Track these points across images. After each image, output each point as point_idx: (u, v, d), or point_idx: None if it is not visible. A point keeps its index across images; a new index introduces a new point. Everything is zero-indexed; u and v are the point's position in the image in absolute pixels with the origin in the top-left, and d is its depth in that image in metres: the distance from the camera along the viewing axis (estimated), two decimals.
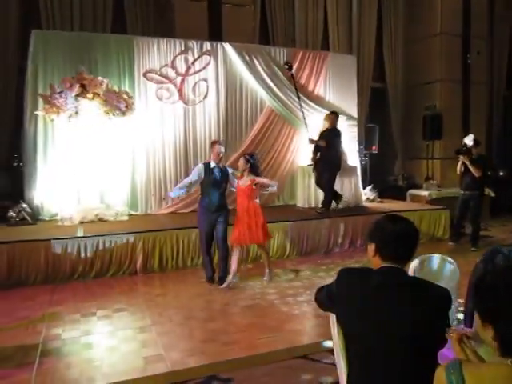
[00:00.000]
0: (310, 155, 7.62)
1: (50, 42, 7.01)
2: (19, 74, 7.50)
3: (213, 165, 5.19)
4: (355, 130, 9.09)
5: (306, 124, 7.96)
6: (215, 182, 5.14)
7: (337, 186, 7.98)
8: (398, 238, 1.73)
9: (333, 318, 1.94)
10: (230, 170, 5.37)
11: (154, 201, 7.51)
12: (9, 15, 7.62)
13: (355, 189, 8.40)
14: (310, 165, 8.20)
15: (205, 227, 5.21)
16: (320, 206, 7.49)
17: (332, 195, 7.49)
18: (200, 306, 4.66)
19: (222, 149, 5.25)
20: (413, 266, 2.55)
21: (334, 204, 7.49)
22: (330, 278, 5.31)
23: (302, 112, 7.94)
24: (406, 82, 10.75)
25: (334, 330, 1.91)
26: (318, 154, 7.44)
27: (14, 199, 6.87)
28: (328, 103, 8.74)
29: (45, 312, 4.51)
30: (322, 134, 7.50)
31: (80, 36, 7.34)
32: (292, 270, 6.00)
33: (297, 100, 8.13)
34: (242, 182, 5.17)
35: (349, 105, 8.99)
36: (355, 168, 8.59)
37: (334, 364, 3.29)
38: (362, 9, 10.15)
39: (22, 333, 4.03)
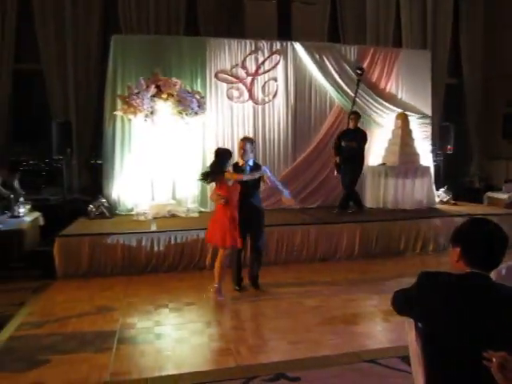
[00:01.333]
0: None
1: (127, 46, 7.39)
2: (99, 77, 7.97)
3: (241, 163, 4.91)
4: (429, 129, 8.73)
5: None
6: (244, 181, 4.73)
7: (408, 187, 7.72)
8: (486, 243, 1.64)
9: (410, 322, 1.88)
10: (263, 167, 4.96)
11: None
12: (91, 20, 8.13)
13: (428, 190, 8.08)
14: (383, 164, 8.00)
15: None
16: (336, 207, 7.27)
17: (351, 197, 7.31)
18: (267, 304, 4.70)
19: (247, 146, 4.86)
20: (498, 273, 2.40)
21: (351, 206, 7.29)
22: (398, 282, 5.15)
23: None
24: (484, 77, 10.12)
25: (412, 335, 1.85)
26: (338, 158, 7.21)
27: (94, 194, 7.33)
28: (400, 101, 8.48)
29: (121, 302, 4.77)
30: (347, 134, 7.24)
31: (155, 39, 7.68)
32: (359, 272, 5.89)
33: (368, 99, 8.03)
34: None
35: (422, 102, 8.66)
36: (428, 168, 8.25)
37: (405, 371, 3.22)
38: (437, 0, 9.70)
39: (100, 320, 4.29)
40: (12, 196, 6.10)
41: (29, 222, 6.17)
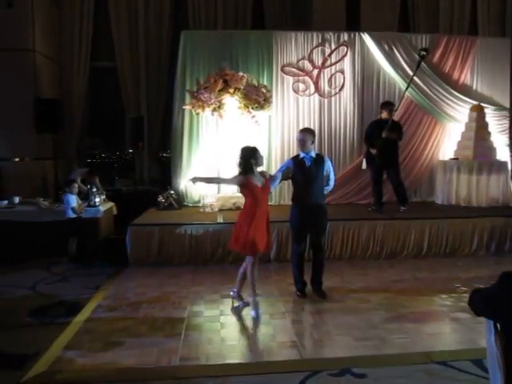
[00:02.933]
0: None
1: (196, 41, 7.56)
2: (169, 72, 8.24)
3: (302, 155, 4.61)
4: (506, 121, 8.21)
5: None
6: (305, 174, 4.53)
7: (483, 183, 7.31)
8: None
9: (489, 324, 1.78)
10: (328, 162, 4.69)
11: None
12: (162, 18, 8.41)
13: (504, 187, 7.59)
14: (455, 159, 7.60)
15: (296, 227, 4.67)
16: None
17: (405, 188, 6.99)
18: (333, 299, 4.65)
19: (299, 136, 4.63)
20: None
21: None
22: (471, 282, 4.86)
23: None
24: None
25: (491, 337, 1.76)
26: (375, 150, 6.67)
27: (163, 186, 7.62)
28: (476, 93, 8.05)
29: (189, 290, 4.93)
30: (385, 125, 6.66)
31: (223, 33, 7.81)
32: (428, 271, 5.67)
33: (440, 90, 7.78)
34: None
35: (500, 94, 8.16)
36: (505, 164, 7.75)
37: (476, 375, 3.07)
38: None
39: (169, 307, 4.46)
40: (94, 190, 6.45)
41: (104, 212, 6.51)
